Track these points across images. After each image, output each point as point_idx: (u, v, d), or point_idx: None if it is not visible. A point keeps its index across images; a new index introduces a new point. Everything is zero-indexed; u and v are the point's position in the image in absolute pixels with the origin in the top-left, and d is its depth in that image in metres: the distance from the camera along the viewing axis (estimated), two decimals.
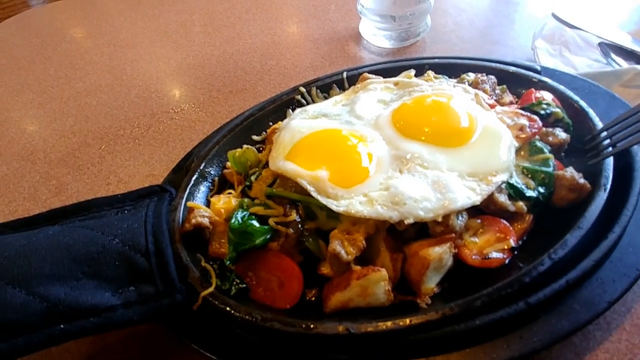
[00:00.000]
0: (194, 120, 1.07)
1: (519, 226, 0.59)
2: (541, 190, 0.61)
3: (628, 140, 0.61)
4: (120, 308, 0.53)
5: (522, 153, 0.65)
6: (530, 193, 0.60)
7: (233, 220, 0.57)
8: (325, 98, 0.86)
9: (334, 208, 0.56)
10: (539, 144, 0.64)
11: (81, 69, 1.35)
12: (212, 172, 0.76)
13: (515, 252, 0.57)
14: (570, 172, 0.60)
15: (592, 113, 0.69)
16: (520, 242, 0.59)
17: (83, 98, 1.22)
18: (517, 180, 0.61)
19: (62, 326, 0.51)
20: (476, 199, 0.57)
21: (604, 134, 0.64)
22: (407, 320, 0.49)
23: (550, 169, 0.62)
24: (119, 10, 1.67)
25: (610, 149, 0.62)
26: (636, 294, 0.60)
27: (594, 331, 0.57)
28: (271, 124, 0.83)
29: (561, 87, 0.75)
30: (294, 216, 0.57)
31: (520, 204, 0.59)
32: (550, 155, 0.63)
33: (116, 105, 1.17)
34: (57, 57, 1.43)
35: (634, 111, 0.63)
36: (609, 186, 0.59)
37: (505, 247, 0.56)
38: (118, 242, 0.57)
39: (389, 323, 0.49)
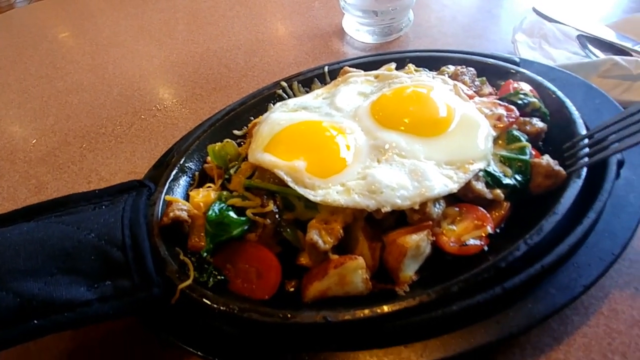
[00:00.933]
0: (176, 117, 1.07)
1: (497, 213, 0.60)
2: (518, 177, 0.61)
3: (604, 153, 0.59)
4: (95, 303, 0.52)
5: (500, 142, 0.65)
6: (507, 181, 0.61)
7: (210, 212, 0.57)
8: (307, 92, 0.86)
9: (311, 198, 0.55)
10: (516, 132, 0.65)
11: (62, 68, 1.33)
12: (192, 166, 0.75)
13: (493, 239, 0.57)
14: (546, 159, 0.61)
15: (568, 102, 0.70)
16: (498, 230, 0.59)
17: (64, 97, 1.20)
18: (495, 169, 0.61)
19: (35, 322, 0.50)
20: (453, 186, 0.57)
21: (584, 141, 0.63)
22: (385, 308, 0.49)
23: (526, 157, 0.62)
24: (101, 9, 1.65)
25: (587, 158, 0.60)
26: (614, 280, 0.61)
27: (571, 316, 0.58)
28: (252, 118, 0.83)
29: (538, 78, 0.75)
30: (271, 207, 0.57)
31: (498, 191, 0.59)
32: (527, 144, 0.64)
33: (98, 103, 1.16)
34: (39, 57, 1.41)
35: (616, 119, 0.62)
36: (584, 173, 0.60)
37: (483, 234, 0.56)
38: (94, 237, 0.56)
39: (366, 311, 0.49)
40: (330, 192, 0.56)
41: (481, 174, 0.61)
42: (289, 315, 0.50)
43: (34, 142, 1.07)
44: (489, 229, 0.57)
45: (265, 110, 0.83)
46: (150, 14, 1.54)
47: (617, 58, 0.84)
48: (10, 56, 1.45)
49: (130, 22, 1.51)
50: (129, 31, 1.47)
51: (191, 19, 1.46)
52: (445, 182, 0.57)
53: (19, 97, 1.24)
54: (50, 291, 0.52)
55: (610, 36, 0.96)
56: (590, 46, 0.94)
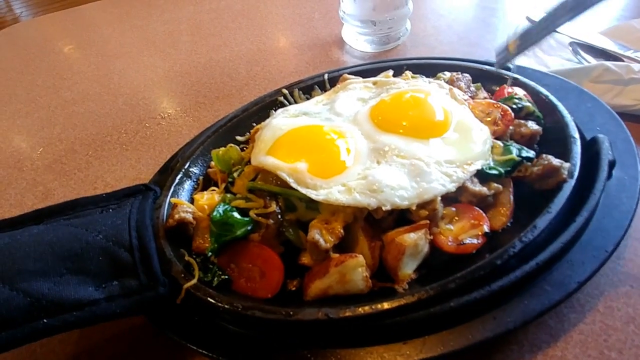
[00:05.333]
0: (180, 125, 1.09)
1: (503, 209, 0.60)
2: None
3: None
4: (103, 302, 0.54)
5: (495, 149, 0.66)
6: (500, 169, 0.62)
7: (214, 213, 0.58)
8: (308, 99, 0.89)
9: (314, 197, 0.57)
10: (512, 148, 0.65)
11: (69, 79, 1.36)
12: (196, 171, 0.77)
13: (491, 238, 0.59)
14: (545, 156, 0.63)
15: (560, 106, 0.72)
16: (509, 224, 0.60)
17: (71, 107, 1.23)
18: (492, 164, 0.63)
19: (45, 320, 0.51)
20: (450, 186, 0.59)
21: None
22: (384, 304, 0.51)
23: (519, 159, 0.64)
24: (107, 22, 1.70)
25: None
26: (609, 278, 0.62)
27: (568, 314, 0.59)
28: (254, 124, 0.85)
29: (532, 83, 0.78)
30: (273, 207, 0.59)
31: (495, 185, 0.61)
32: (518, 158, 0.63)
33: (104, 112, 1.19)
34: (45, 68, 1.44)
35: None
36: (576, 173, 0.61)
37: (480, 232, 0.58)
38: (102, 238, 0.58)
39: (366, 307, 0.50)
40: (332, 191, 0.57)
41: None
42: (292, 313, 0.51)
43: (40, 150, 1.10)
44: (485, 228, 0.58)
45: (267, 117, 0.85)
46: (155, 25, 1.58)
47: (609, 63, 0.87)
48: (18, 67, 1.48)
49: (135, 34, 1.55)
50: (134, 42, 1.51)
51: (195, 31, 1.50)
52: (443, 182, 0.59)
53: (26, 107, 1.27)
54: (59, 291, 0.53)
55: (602, 43, 0.99)
56: (582, 52, 0.97)
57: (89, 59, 1.47)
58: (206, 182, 0.77)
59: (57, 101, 1.27)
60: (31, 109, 1.26)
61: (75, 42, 1.61)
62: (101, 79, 1.33)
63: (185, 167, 0.76)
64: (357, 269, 0.54)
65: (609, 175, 0.63)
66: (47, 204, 0.94)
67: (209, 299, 0.55)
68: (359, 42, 1.22)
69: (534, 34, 0.67)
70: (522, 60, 1.01)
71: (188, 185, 0.75)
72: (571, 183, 0.60)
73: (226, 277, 0.58)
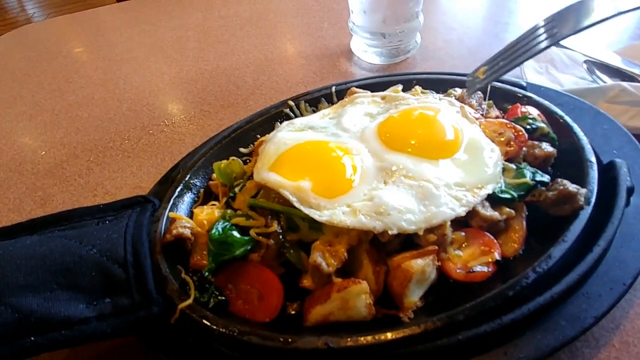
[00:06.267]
0: (184, 133, 1.07)
1: (516, 235, 0.58)
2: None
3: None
4: (93, 320, 0.51)
5: (507, 172, 0.63)
6: (513, 193, 0.60)
7: (213, 231, 0.56)
8: (314, 112, 0.87)
9: (317, 218, 0.55)
10: (525, 171, 0.63)
11: (75, 83, 1.35)
12: (197, 183, 0.75)
13: (501, 265, 0.56)
14: (561, 180, 0.60)
15: (576, 128, 0.69)
16: (521, 251, 0.58)
17: (75, 111, 1.22)
18: (504, 187, 0.60)
19: (33, 338, 0.49)
20: (460, 210, 0.56)
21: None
22: (388, 335, 0.48)
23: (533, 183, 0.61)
24: (116, 26, 1.69)
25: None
26: (625, 310, 0.59)
27: (582, 348, 0.56)
28: (259, 136, 0.83)
29: (546, 103, 0.75)
30: (275, 227, 0.56)
31: (506, 209, 0.58)
32: (532, 182, 0.61)
33: (107, 117, 1.17)
34: (52, 71, 1.44)
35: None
36: (593, 200, 0.59)
37: (490, 260, 0.55)
38: (96, 252, 0.56)
39: (369, 337, 0.48)
40: (336, 212, 0.55)
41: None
42: (290, 340, 0.49)
43: (42, 154, 1.08)
44: (497, 256, 0.55)
45: (272, 129, 0.83)
46: (163, 31, 1.57)
47: (625, 84, 0.84)
48: (24, 69, 1.48)
49: (143, 39, 1.55)
50: (141, 47, 1.50)
51: (202, 37, 1.49)
52: (452, 206, 0.56)
53: (30, 110, 1.26)
54: (48, 307, 0.51)
55: (617, 62, 0.96)
56: (597, 72, 0.95)
57: (95, 62, 1.46)
58: (207, 195, 0.74)
59: (61, 105, 1.25)
60: (35, 112, 1.25)
61: (83, 45, 1.61)
62: (107, 83, 1.32)
63: (186, 178, 0.74)
64: (360, 296, 0.51)
65: (627, 203, 0.60)
66: (46, 209, 0.93)
67: (204, 321, 0.52)
68: (367, 54, 1.20)
69: (503, 63, 0.66)
70: (535, 78, 0.99)
71: (188, 197, 0.72)
72: (588, 210, 0.57)
73: (223, 298, 0.56)
